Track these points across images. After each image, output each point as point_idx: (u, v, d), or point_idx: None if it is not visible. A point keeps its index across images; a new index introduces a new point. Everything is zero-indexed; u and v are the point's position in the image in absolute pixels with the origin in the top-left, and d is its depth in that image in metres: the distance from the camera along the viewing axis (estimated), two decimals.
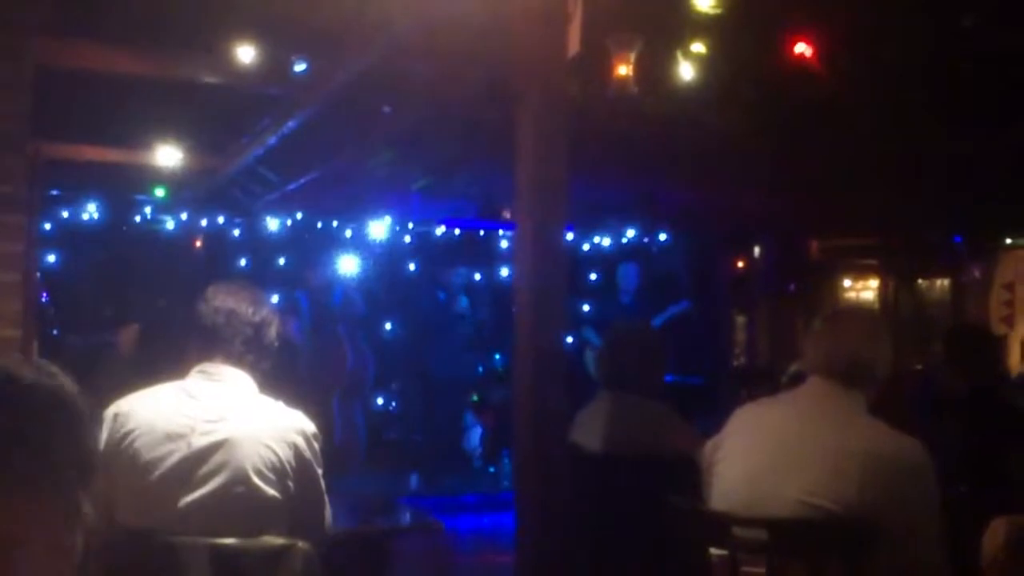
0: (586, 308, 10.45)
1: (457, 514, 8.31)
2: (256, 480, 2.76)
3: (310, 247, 10.87)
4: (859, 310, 4.18)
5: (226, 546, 2.69)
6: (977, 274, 11.47)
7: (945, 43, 5.65)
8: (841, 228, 11.61)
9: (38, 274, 9.22)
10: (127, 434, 2.79)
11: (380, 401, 10.26)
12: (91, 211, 10.62)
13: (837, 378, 2.93)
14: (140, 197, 10.31)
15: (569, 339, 7.88)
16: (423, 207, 10.73)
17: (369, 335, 9.89)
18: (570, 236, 10.60)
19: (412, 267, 11.28)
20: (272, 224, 10.94)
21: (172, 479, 2.74)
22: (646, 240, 11.75)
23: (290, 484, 2.82)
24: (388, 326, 10.95)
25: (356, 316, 9.60)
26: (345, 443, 9.36)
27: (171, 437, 2.77)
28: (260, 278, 9.54)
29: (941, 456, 2.82)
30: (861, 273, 12.79)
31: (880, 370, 2.96)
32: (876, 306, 11.95)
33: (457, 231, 11.42)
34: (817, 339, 3.03)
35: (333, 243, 10.88)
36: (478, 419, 10.06)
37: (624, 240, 11.77)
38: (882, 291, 12.60)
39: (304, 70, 5.94)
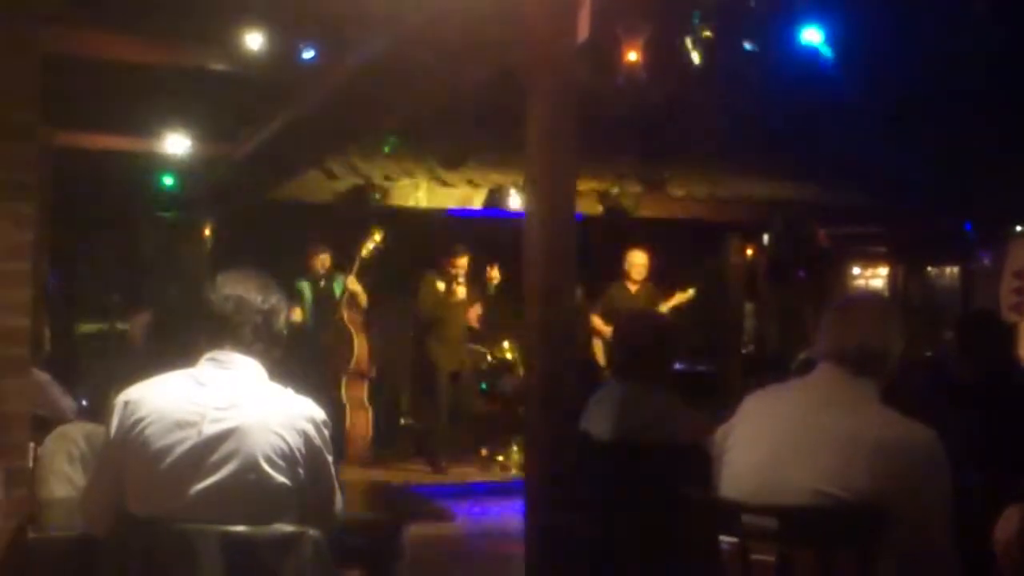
0: (593, 295, 10.42)
1: (467, 501, 8.32)
2: (266, 468, 2.76)
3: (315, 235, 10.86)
4: (871, 297, 4.17)
5: (237, 533, 2.69)
6: (987, 261, 11.43)
7: (954, 30, 5.64)
8: (851, 215, 11.60)
9: (47, 263, 9.27)
10: (137, 422, 2.79)
11: (390, 389, 10.26)
12: (100, 199, 10.62)
13: (848, 365, 2.92)
14: (149, 185, 10.32)
15: None
16: (431, 195, 10.72)
17: (377, 322, 9.90)
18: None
19: (419, 254, 11.24)
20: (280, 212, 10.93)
21: (183, 467, 2.75)
22: (655, 227, 11.73)
23: (300, 471, 2.83)
24: (397, 313, 10.93)
25: (358, 304, 9.62)
26: (353, 425, 9.40)
27: (181, 425, 2.77)
28: (268, 266, 9.53)
29: (953, 444, 2.81)
30: (870, 261, 12.78)
31: (891, 357, 2.95)
32: (886, 293, 11.93)
33: (465, 219, 11.39)
34: (828, 326, 3.02)
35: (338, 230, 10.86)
36: (488, 407, 10.05)
37: (632, 227, 11.73)
38: (891, 279, 12.59)
39: (312, 58, 5.94)
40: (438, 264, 9.71)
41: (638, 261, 10.02)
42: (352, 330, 9.54)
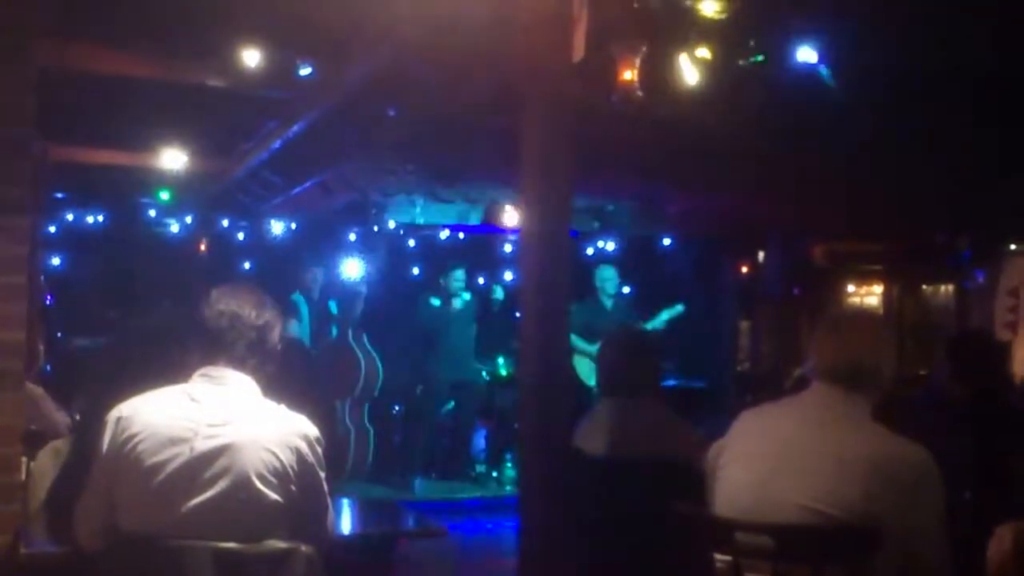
0: (572, 312, 10.38)
1: (460, 518, 8.30)
2: (259, 485, 2.76)
3: (311, 251, 10.87)
4: (862, 314, 4.14)
5: (229, 550, 2.69)
6: (981, 280, 11.45)
7: (949, 48, 5.65)
8: (845, 233, 11.61)
9: (43, 277, 9.26)
10: (130, 438, 2.79)
11: (384, 405, 10.24)
12: (96, 214, 10.64)
13: (840, 383, 2.93)
14: (145, 200, 10.33)
15: None
16: (428, 211, 10.73)
17: (373, 339, 9.90)
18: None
19: (416, 271, 11.27)
20: (276, 228, 10.95)
21: (175, 483, 2.74)
22: (650, 244, 11.75)
23: (293, 488, 2.82)
24: (392, 330, 10.94)
25: (355, 320, 9.62)
26: (356, 448, 9.38)
27: (174, 441, 2.77)
28: (263, 282, 9.54)
29: (947, 462, 2.81)
30: (865, 278, 12.78)
31: (883, 375, 2.96)
32: (880, 311, 11.93)
33: (462, 235, 11.41)
34: (820, 344, 3.03)
35: (335, 247, 10.88)
36: (481, 423, 10.04)
37: (625, 243, 11.75)
38: (886, 296, 12.59)
39: (309, 74, 5.95)
40: (436, 279, 9.77)
41: (609, 276, 10.04)
42: (359, 352, 9.52)
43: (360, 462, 9.43)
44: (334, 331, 9.63)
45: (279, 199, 9.97)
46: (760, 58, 5.44)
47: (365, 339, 9.59)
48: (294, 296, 9.69)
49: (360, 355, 9.47)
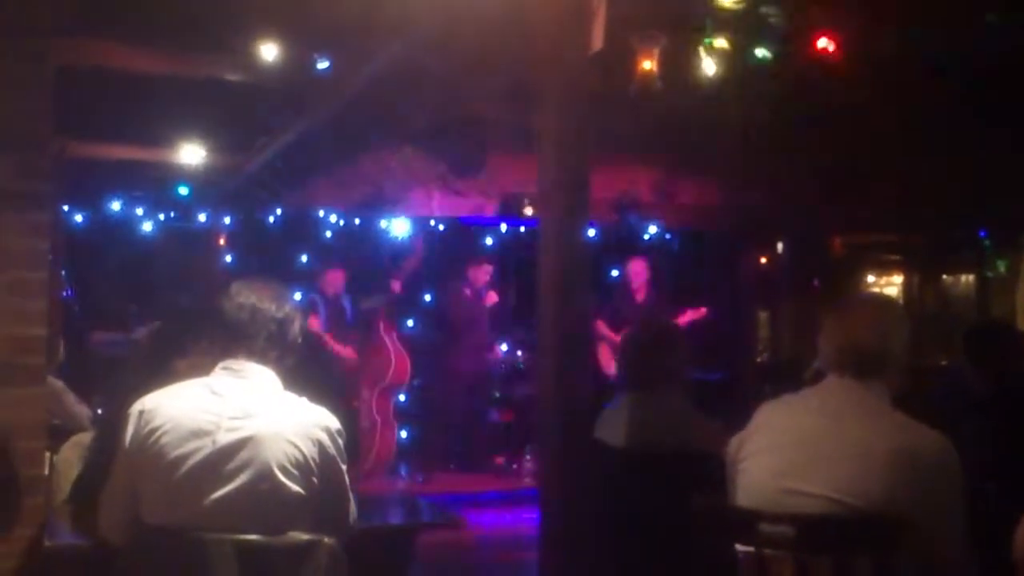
0: (601, 304, 10.40)
1: (479, 510, 8.31)
2: (281, 477, 2.77)
3: (330, 246, 10.88)
4: (863, 300, 4.05)
5: (252, 542, 2.70)
6: (1002, 269, 11.39)
7: (969, 38, 5.63)
8: (865, 224, 11.56)
9: (63, 272, 9.31)
10: (152, 431, 2.80)
11: (402, 397, 10.26)
12: (115, 209, 10.67)
13: (850, 373, 2.91)
14: (164, 195, 10.36)
15: None
16: (445, 203, 10.73)
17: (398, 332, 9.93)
18: (592, 232, 10.57)
19: (434, 263, 11.26)
20: (294, 222, 10.97)
21: (198, 476, 2.75)
22: (668, 236, 11.72)
23: (314, 480, 2.83)
24: (410, 322, 10.95)
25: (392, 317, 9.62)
26: (381, 441, 9.40)
27: (196, 434, 2.78)
28: (282, 276, 9.55)
29: (969, 452, 2.79)
30: (885, 269, 12.74)
31: (893, 356, 2.92)
32: (900, 301, 11.89)
33: (480, 227, 11.41)
34: (826, 336, 3.02)
35: (354, 241, 10.88)
36: (500, 415, 10.05)
37: (646, 236, 11.73)
38: (906, 287, 12.55)
39: (326, 68, 5.97)
40: (464, 272, 9.79)
41: (639, 270, 10.05)
42: (389, 344, 9.52)
43: (385, 455, 9.43)
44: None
45: (297, 193, 9.99)
46: (761, 53, 5.43)
47: (395, 334, 9.61)
48: (313, 294, 9.69)
49: (391, 348, 9.49)
